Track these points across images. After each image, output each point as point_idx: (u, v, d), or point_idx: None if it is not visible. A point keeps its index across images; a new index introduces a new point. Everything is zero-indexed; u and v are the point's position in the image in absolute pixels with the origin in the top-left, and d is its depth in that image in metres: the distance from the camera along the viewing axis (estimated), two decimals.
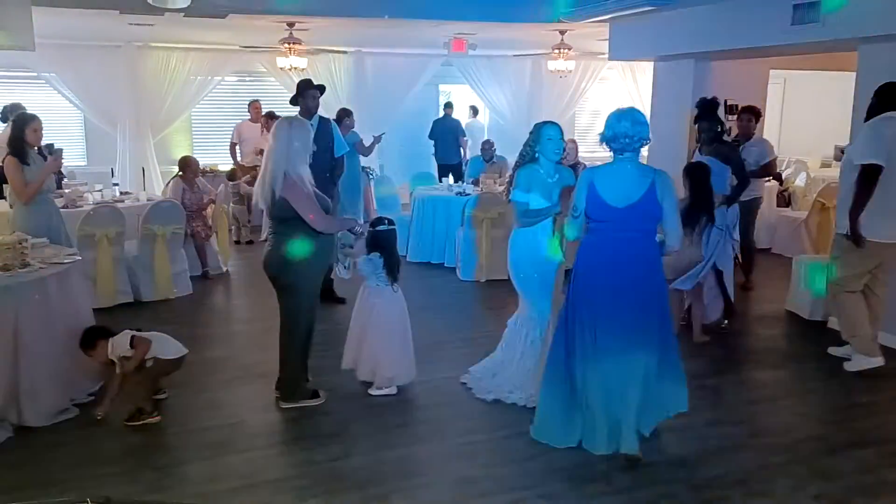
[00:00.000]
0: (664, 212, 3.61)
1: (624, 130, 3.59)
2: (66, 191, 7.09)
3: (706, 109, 5.80)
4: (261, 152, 6.41)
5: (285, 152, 4.03)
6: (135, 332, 4.20)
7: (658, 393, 3.79)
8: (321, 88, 6.16)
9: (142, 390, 4.18)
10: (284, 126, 4.12)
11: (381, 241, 4.54)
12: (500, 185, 8.15)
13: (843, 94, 7.19)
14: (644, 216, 3.63)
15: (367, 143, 8.53)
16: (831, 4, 5.34)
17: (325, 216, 4.18)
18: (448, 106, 11.56)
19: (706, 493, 3.45)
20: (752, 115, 6.77)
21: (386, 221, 4.61)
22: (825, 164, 12.07)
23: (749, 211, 6.60)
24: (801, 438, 4.03)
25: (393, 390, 4.54)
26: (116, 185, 8.12)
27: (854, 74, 5.74)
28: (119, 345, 4.15)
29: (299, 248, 4.11)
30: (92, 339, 4.20)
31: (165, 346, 4.27)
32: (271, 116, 9.03)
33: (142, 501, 3.27)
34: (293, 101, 6.15)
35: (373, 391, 4.54)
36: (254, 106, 10.05)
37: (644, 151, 3.86)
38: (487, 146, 9.40)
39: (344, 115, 7.99)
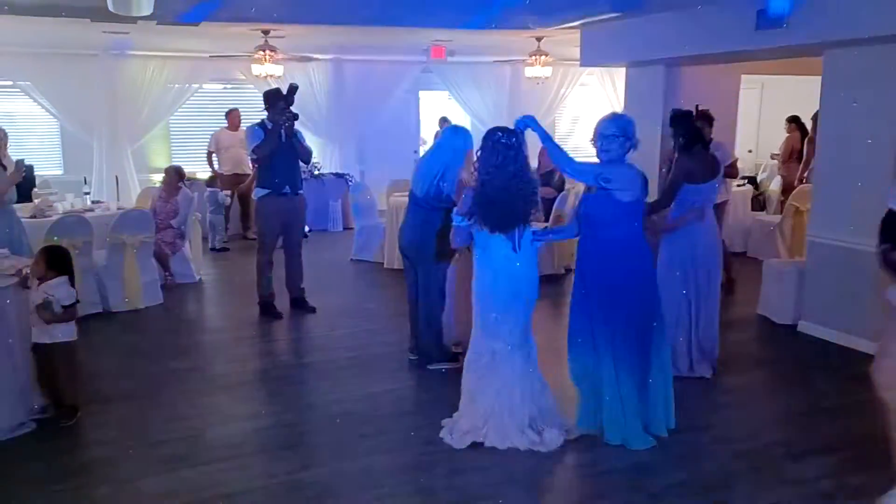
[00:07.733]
0: None
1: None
2: (36, 200, 7.02)
3: (673, 119, 5.74)
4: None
5: (458, 156, 4.71)
6: (77, 298, 4.20)
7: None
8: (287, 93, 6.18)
9: (71, 382, 4.20)
10: (449, 132, 4.90)
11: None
12: None
13: (817, 98, 7.21)
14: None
15: None
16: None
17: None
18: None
19: (667, 501, 3.43)
20: (706, 120, 6.71)
21: None
22: None
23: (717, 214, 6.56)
24: (764, 444, 4.01)
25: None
26: (87, 193, 8.05)
27: None
28: (59, 291, 4.12)
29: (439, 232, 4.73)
30: (55, 260, 4.20)
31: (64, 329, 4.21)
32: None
33: None
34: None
35: None
36: (232, 114, 9.99)
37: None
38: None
39: None
